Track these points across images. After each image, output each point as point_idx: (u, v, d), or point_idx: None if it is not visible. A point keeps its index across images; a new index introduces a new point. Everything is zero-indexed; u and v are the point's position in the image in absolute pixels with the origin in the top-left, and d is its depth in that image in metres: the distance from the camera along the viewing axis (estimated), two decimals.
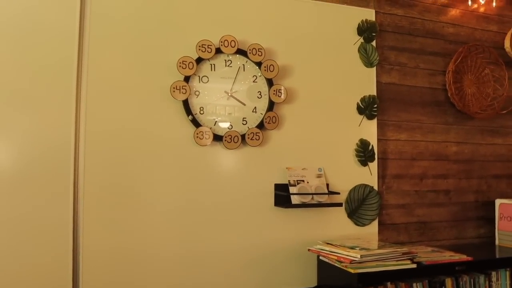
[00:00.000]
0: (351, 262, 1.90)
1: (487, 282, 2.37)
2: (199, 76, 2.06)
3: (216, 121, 2.07)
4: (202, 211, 2.03)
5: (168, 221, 1.98)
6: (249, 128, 2.10)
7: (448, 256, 2.16)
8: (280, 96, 2.14)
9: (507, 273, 2.41)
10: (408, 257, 2.01)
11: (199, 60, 2.03)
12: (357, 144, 2.32)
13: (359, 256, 1.89)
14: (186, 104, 2.02)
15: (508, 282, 2.40)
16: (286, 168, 2.16)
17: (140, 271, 1.93)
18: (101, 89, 1.92)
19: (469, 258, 2.16)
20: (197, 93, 2.05)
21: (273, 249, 2.14)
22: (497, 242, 2.61)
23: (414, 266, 2.00)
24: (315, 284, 2.18)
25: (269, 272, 2.13)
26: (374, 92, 2.38)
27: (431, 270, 2.10)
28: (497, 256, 2.41)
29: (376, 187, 2.36)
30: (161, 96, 2.00)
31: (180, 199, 2.00)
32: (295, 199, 2.10)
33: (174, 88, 1.98)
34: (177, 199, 2.00)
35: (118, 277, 1.90)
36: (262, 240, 2.13)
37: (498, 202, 2.62)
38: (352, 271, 1.87)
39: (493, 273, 2.39)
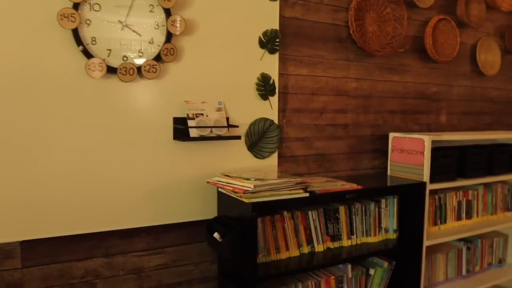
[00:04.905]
0: (245, 192, 1.95)
1: (376, 208, 2.57)
2: (90, 4, 1.92)
3: (110, 53, 1.98)
4: (98, 144, 1.97)
5: (64, 154, 1.91)
6: (145, 60, 2.03)
7: (340, 185, 2.28)
8: (177, 27, 2.07)
9: (395, 200, 2.62)
10: (301, 187, 2.09)
11: None
12: (258, 78, 2.33)
13: (252, 186, 1.94)
14: (76, 33, 1.89)
15: (395, 208, 2.61)
16: (185, 101, 2.13)
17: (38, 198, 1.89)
18: None
19: (359, 187, 2.28)
20: (88, 22, 1.93)
21: (173, 182, 2.15)
22: (389, 172, 2.81)
23: (307, 195, 2.09)
24: (216, 215, 2.25)
25: (170, 203, 2.15)
26: (277, 26, 2.37)
27: (324, 198, 2.19)
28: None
29: (276, 121, 2.41)
30: (47, 25, 1.85)
31: (75, 132, 1.93)
32: (193, 133, 2.10)
33: (61, 15, 1.84)
34: (72, 132, 1.92)
35: (18, 196, 1.84)
36: (162, 173, 2.12)
37: (391, 135, 2.78)
38: (246, 200, 1.93)
39: (383, 200, 2.59)
